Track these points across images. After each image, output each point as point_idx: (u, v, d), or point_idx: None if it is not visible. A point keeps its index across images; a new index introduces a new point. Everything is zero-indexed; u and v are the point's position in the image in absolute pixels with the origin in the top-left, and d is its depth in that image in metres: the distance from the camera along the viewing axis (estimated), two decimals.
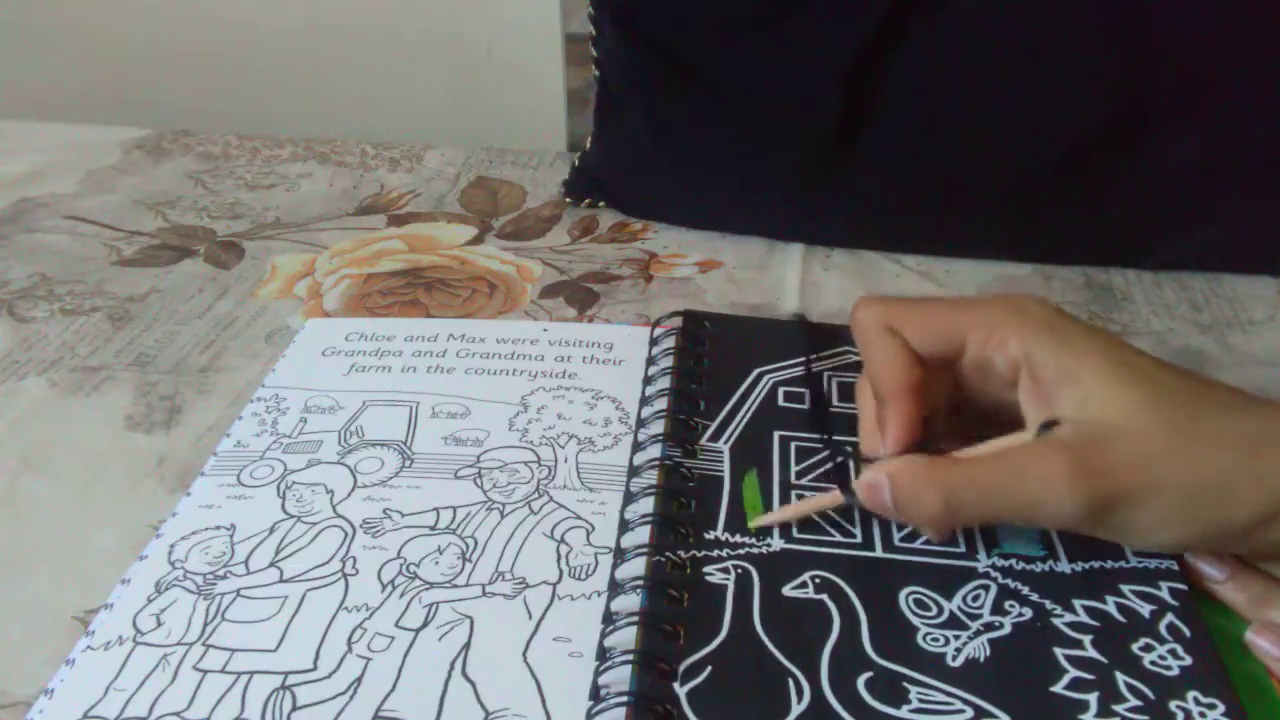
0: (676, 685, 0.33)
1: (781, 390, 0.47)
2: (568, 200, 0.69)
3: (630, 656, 0.34)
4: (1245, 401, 0.34)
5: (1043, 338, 0.35)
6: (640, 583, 0.36)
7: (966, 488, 0.34)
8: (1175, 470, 0.32)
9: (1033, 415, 0.36)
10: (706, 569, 0.37)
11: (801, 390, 0.46)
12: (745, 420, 0.45)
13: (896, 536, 0.39)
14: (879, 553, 0.38)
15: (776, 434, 0.44)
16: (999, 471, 0.34)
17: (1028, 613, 0.36)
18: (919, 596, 0.36)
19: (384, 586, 0.38)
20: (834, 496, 0.39)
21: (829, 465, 0.42)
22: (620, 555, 0.38)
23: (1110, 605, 0.36)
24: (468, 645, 0.35)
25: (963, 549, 0.38)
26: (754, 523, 0.39)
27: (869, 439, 0.40)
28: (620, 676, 0.33)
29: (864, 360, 0.39)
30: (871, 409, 0.39)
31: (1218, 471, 0.32)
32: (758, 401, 0.46)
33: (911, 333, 0.38)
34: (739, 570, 0.37)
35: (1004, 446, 0.35)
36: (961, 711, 0.32)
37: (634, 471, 0.42)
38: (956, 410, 0.40)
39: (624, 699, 0.32)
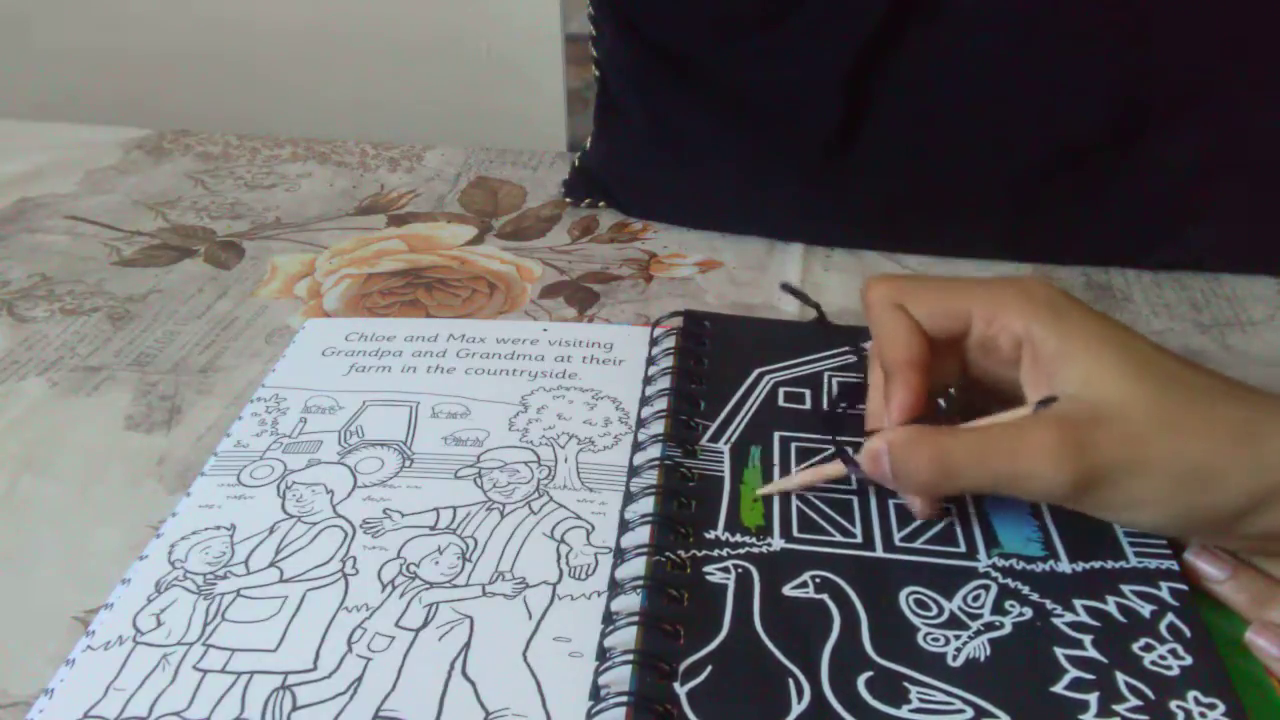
0: (676, 685, 0.33)
1: (782, 390, 0.47)
2: (568, 200, 0.69)
3: (630, 656, 0.34)
4: (1242, 392, 0.34)
5: (1044, 317, 0.36)
6: (640, 582, 0.36)
7: (959, 454, 0.35)
8: (1161, 452, 0.33)
9: (1033, 394, 0.36)
10: (706, 569, 0.37)
11: (802, 391, 0.47)
12: (745, 420, 0.45)
13: (897, 536, 0.39)
14: (879, 553, 0.38)
15: (777, 434, 0.44)
16: (991, 440, 0.35)
17: (1028, 613, 0.36)
18: (919, 596, 0.36)
19: (384, 586, 0.38)
20: (836, 466, 0.39)
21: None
22: (620, 555, 0.38)
23: (1110, 605, 0.36)
24: (468, 645, 0.35)
25: (963, 549, 0.38)
26: (760, 491, 0.40)
27: (875, 412, 0.40)
28: (620, 676, 0.33)
29: (873, 335, 0.40)
30: (880, 384, 0.40)
31: (1204, 457, 0.32)
32: (758, 401, 0.46)
33: (918, 310, 0.39)
34: (739, 570, 0.37)
35: (1002, 421, 0.36)
36: (962, 711, 0.32)
37: (634, 471, 0.42)
38: (965, 389, 0.40)
39: (624, 699, 0.32)
